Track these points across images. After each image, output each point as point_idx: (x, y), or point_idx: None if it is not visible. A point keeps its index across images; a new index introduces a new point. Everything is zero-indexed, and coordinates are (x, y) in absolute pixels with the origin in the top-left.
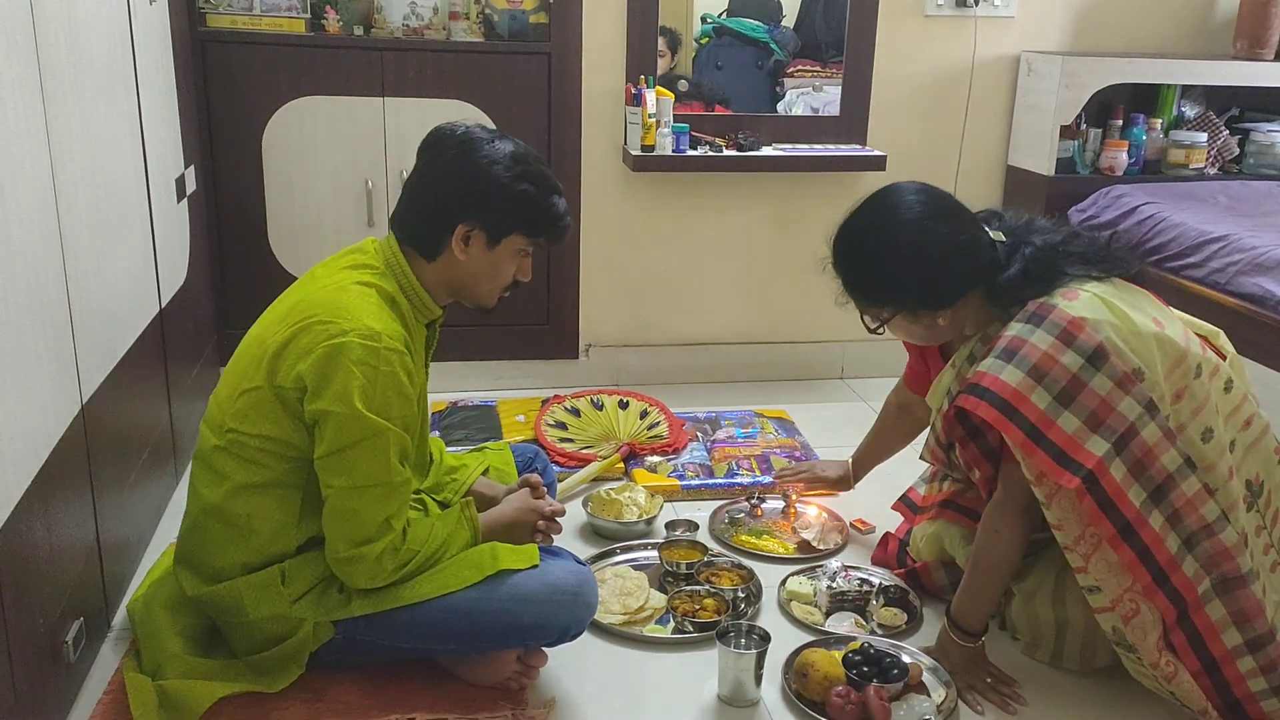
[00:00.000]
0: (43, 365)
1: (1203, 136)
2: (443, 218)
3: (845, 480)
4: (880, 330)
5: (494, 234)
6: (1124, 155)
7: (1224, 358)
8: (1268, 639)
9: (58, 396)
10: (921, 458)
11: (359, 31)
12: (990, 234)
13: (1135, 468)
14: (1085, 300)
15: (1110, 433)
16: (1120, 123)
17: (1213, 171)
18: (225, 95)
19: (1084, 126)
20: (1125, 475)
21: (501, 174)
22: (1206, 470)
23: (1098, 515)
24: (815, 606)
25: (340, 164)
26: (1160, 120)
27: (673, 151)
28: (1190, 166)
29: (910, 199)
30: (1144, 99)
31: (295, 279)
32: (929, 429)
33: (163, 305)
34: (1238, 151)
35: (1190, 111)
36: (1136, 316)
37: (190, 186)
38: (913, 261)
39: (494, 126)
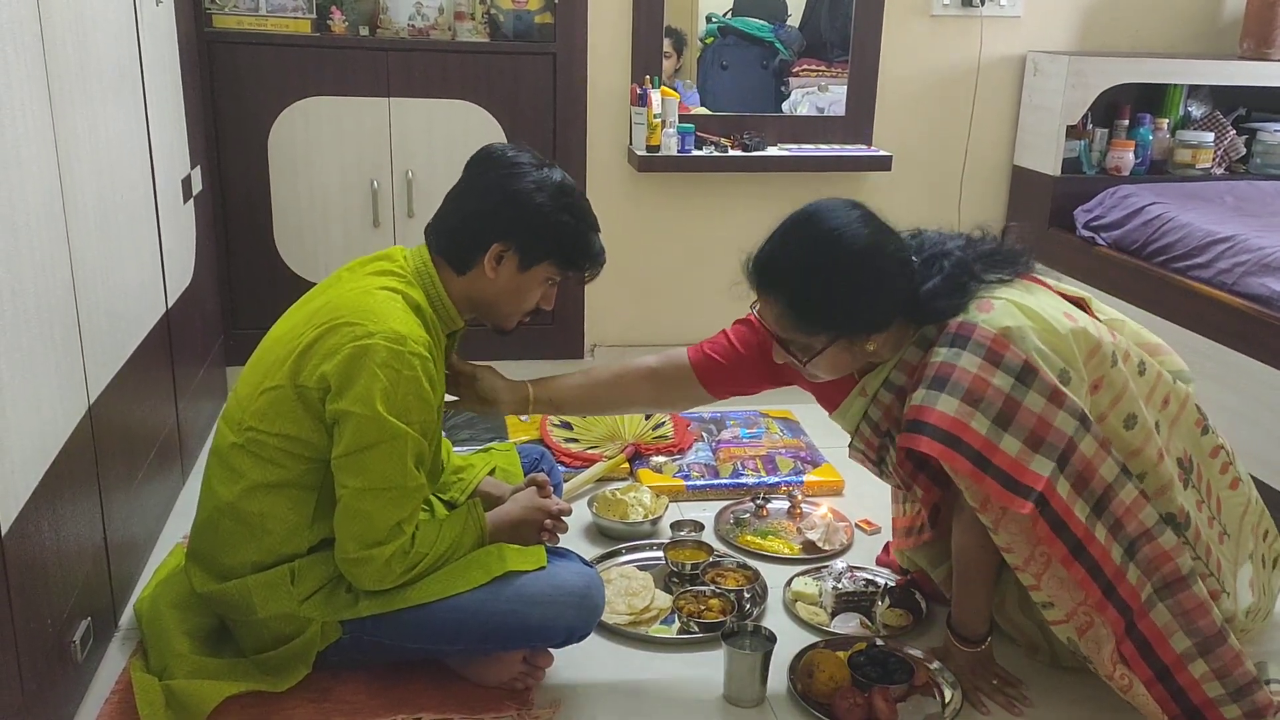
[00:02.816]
0: (50, 365)
1: (1209, 136)
2: (479, 234)
3: (511, 403)
4: (806, 364)
5: (527, 259)
6: (1130, 155)
7: (1098, 320)
8: (1217, 641)
9: (65, 396)
10: (850, 458)
11: (364, 32)
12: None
13: (1078, 483)
14: (1001, 309)
15: (1052, 451)
16: (1126, 123)
17: (1219, 171)
18: (231, 96)
19: (1090, 126)
20: (1070, 491)
21: (545, 202)
22: (1132, 456)
23: (1050, 537)
24: (821, 607)
25: (346, 164)
26: (1167, 120)
27: (678, 152)
28: (1197, 166)
29: (852, 216)
30: (1150, 99)
31: (300, 278)
32: (851, 436)
33: (169, 305)
34: (1244, 151)
35: (1197, 111)
36: (1049, 314)
37: (196, 187)
38: (862, 284)
39: (521, 145)
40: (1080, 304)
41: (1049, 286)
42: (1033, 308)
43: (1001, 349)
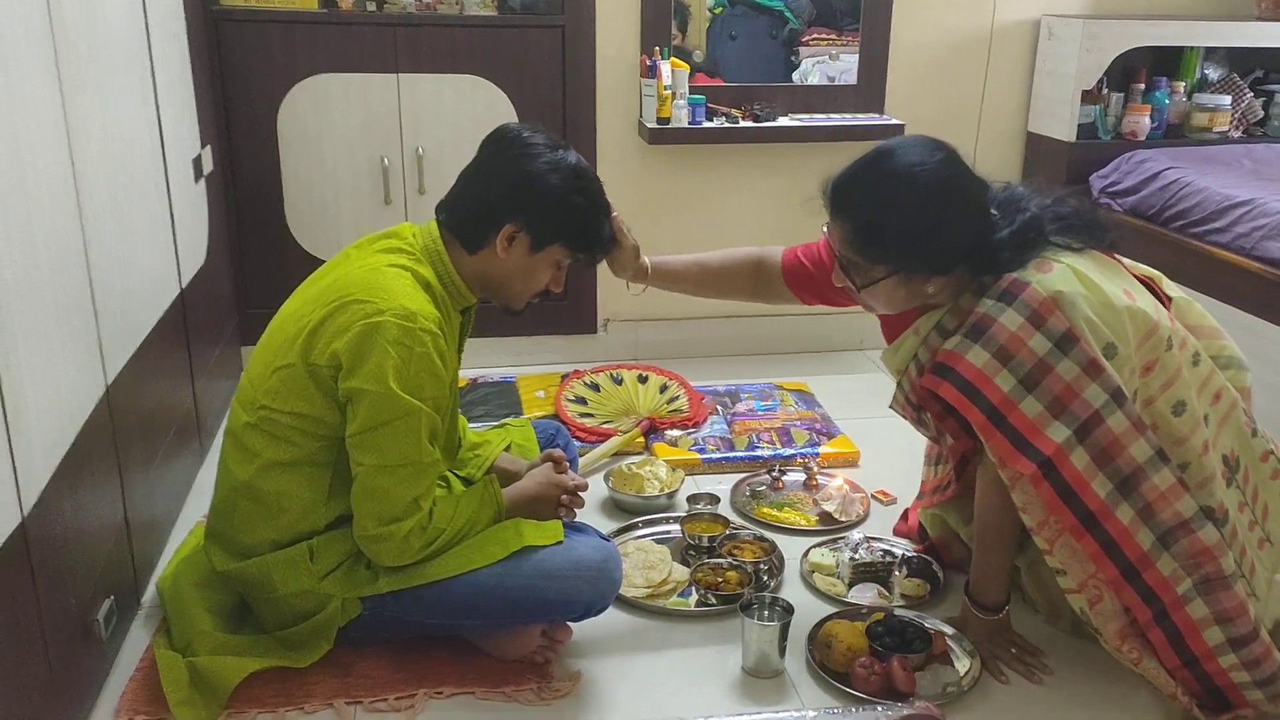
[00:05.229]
0: (67, 347)
1: (1226, 99)
2: (493, 214)
3: (632, 269)
4: (861, 290)
5: (538, 240)
6: (1146, 119)
7: (1169, 299)
8: (1250, 637)
9: (83, 378)
10: (890, 407)
11: (372, 8)
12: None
13: (1100, 457)
14: (1059, 272)
15: (1072, 419)
16: (1142, 86)
17: (1237, 135)
18: (239, 74)
19: (1105, 91)
20: (1089, 464)
21: (558, 183)
22: (1177, 444)
23: (1057, 504)
24: (838, 578)
25: (355, 141)
26: (1183, 83)
27: (689, 123)
28: (1214, 130)
29: (934, 156)
30: (1166, 62)
31: (313, 256)
32: (896, 386)
33: (183, 286)
34: (1262, 114)
35: (1214, 74)
36: (1108, 288)
37: (207, 166)
38: (931, 222)
39: (536, 126)
40: (1149, 282)
41: (1123, 265)
42: (1093, 279)
43: (1047, 313)
